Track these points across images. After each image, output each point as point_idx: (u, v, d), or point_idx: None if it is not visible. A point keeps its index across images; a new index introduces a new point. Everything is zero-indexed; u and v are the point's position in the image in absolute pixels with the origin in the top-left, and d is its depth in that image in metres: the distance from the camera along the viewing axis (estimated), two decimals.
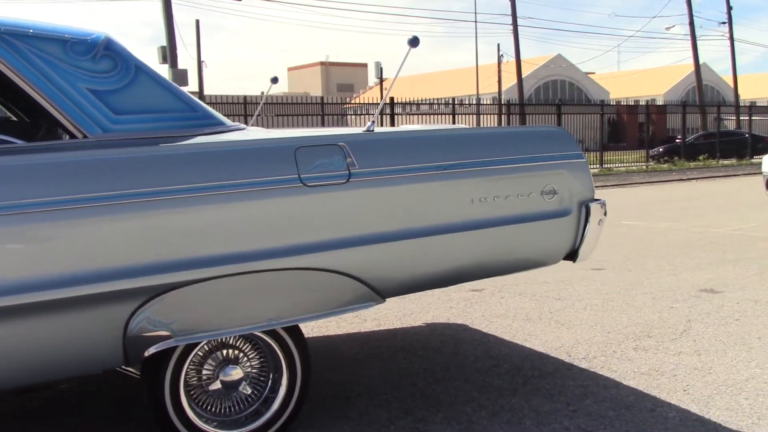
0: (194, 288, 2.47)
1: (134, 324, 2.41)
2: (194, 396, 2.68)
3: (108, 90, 2.56)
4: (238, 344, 2.75)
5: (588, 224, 3.26)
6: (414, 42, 2.88)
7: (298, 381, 2.80)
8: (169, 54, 18.75)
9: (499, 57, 46.00)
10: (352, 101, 32.17)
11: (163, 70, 18.89)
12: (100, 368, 2.49)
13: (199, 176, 2.49)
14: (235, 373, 2.73)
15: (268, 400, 2.79)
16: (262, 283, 2.60)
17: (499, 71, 45.14)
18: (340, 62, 79.34)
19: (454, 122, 21.88)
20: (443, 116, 24.52)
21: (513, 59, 34.17)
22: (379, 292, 2.83)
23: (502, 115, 24.96)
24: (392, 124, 20.81)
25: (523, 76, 33.26)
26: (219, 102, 20.29)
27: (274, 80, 4.25)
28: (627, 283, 5.65)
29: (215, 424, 2.70)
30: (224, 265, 2.50)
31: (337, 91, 70.56)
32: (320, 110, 21.66)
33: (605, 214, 3.33)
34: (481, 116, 24.63)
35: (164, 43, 18.85)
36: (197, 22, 32.62)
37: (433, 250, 2.91)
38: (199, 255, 2.47)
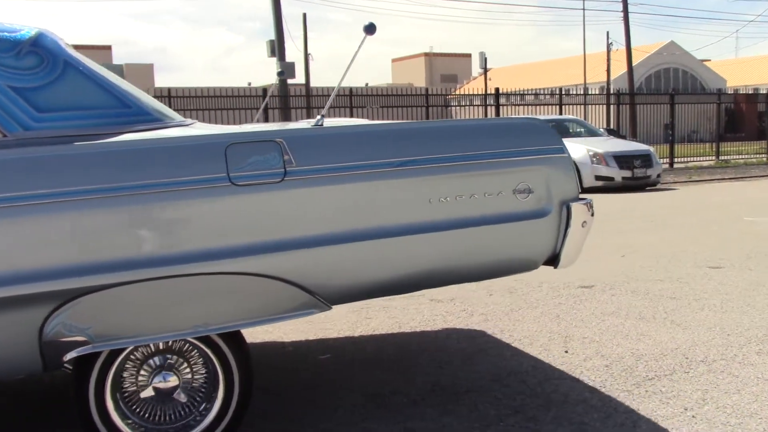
0: (113, 292, 2.36)
1: (49, 329, 2.32)
2: (129, 402, 2.58)
3: (32, 87, 2.48)
4: (177, 351, 2.63)
5: (569, 227, 2.96)
6: (370, 29, 2.77)
7: (234, 394, 2.65)
8: (278, 47, 19.19)
9: (608, 45, 44.71)
10: (456, 92, 32.02)
11: (272, 64, 19.42)
12: (20, 374, 2.45)
13: (119, 175, 2.38)
14: (171, 381, 2.60)
15: (202, 412, 2.66)
16: (188, 289, 2.47)
17: (608, 60, 43.84)
18: (443, 53, 79.06)
19: (560, 113, 21.41)
20: (549, 107, 24.02)
21: (623, 47, 33.06)
22: (323, 299, 2.66)
23: (611, 105, 24.21)
24: (497, 115, 20.57)
25: (633, 65, 32.16)
26: (325, 94, 20.62)
27: (280, 74, 4.30)
28: (748, 283, 5.37)
29: (143, 431, 2.60)
30: (145, 268, 2.39)
31: (441, 81, 70.45)
32: (425, 101, 21.66)
33: (592, 215, 3.01)
34: (589, 107, 23.99)
35: (273, 36, 19.32)
36: (304, 15, 33.44)
37: (384, 255, 2.70)
38: (118, 258, 2.36)
